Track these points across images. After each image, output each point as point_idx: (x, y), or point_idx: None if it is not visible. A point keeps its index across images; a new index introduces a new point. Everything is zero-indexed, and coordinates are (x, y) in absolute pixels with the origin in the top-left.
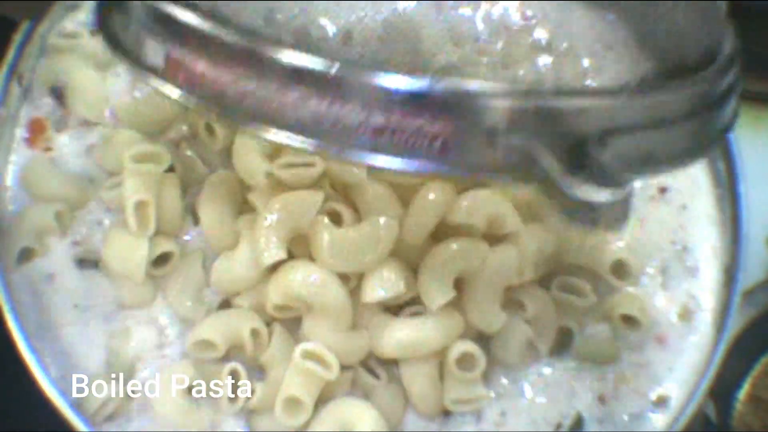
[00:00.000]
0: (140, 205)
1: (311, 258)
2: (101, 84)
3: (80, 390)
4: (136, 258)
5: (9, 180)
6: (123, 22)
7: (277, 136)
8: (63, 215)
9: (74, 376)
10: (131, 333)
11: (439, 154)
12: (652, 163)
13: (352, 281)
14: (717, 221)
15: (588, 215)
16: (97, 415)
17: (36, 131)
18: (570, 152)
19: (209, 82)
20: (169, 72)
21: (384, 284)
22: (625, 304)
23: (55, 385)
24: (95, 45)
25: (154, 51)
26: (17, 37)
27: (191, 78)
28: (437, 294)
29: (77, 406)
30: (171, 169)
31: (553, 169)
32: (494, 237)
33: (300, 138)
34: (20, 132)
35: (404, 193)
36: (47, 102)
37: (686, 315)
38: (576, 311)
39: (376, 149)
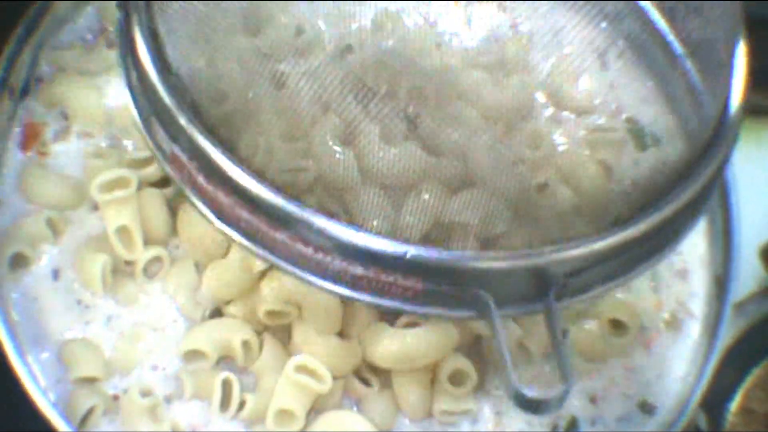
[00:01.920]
0: (123, 229)
1: None
2: (100, 98)
3: (73, 399)
4: (93, 271)
5: (1, 189)
6: (136, 83)
7: (267, 258)
8: (55, 222)
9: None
10: (138, 334)
11: (411, 298)
12: (607, 284)
13: None
14: (708, 231)
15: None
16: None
17: (30, 136)
18: (531, 298)
19: (208, 194)
20: (172, 163)
21: None
22: (614, 308)
23: (45, 395)
24: (89, 56)
25: (163, 140)
26: (8, 49)
27: (191, 182)
28: None
29: (68, 414)
30: (159, 182)
31: (503, 350)
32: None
33: (288, 267)
34: (12, 143)
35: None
36: (42, 111)
37: (674, 323)
38: (569, 313)
39: (355, 289)
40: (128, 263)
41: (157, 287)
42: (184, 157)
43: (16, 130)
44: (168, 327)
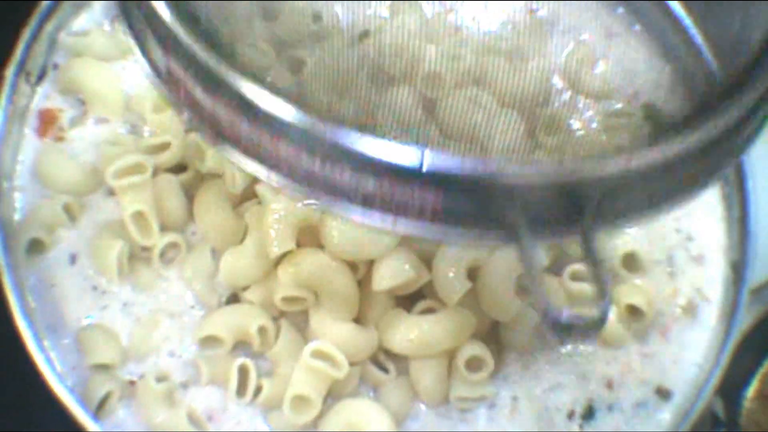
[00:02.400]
0: (138, 215)
1: (320, 248)
2: (116, 84)
3: (90, 385)
4: (109, 258)
5: (18, 175)
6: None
7: (270, 179)
8: (72, 207)
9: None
10: (155, 320)
11: (429, 220)
12: (653, 208)
13: (360, 270)
14: (724, 217)
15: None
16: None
17: (46, 122)
18: (563, 220)
19: (207, 110)
20: (170, 82)
21: (393, 272)
22: (631, 294)
23: (62, 381)
24: (106, 42)
25: (158, 57)
26: (25, 35)
27: (190, 99)
28: (453, 286)
29: (84, 399)
30: (176, 168)
31: (534, 270)
32: None
33: (293, 185)
34: (29, 129)
35: None
36: (58, 97)
37: (691, 309)
38: (587, 299)
39: (367, 208)
40: (145, 249)
41: (174, 273)
42: (180, 71)
43: (33, 115)
44: (185, 313)
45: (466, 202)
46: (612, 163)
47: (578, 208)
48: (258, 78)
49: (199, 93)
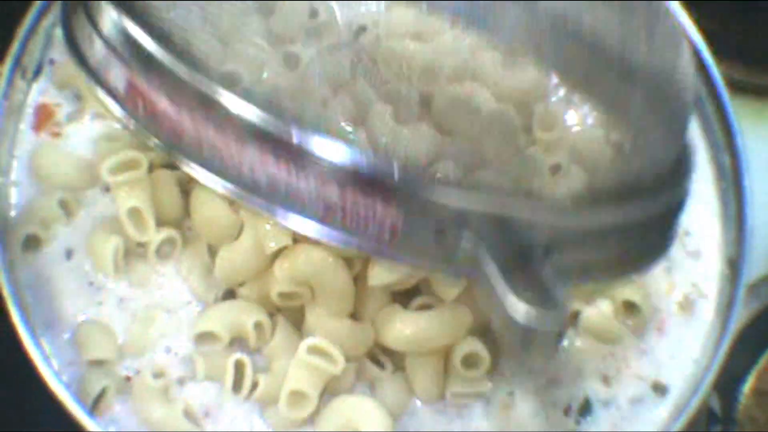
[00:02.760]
0: (134, 211)
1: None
2: None
3: (86, 381)
4: (105, 254)
5: (14, 172)
6: (89, 34)
7: (232, 192)
8: (68, 203)
9: (81, 367)
10: (151, 316)
11: (388, 239)
12: (587, 275)
13: (356, 266)
14: (720, 213)
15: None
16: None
17: (43, 117)
18: (514, 261)
19: (169, 119)
20: (129, 100)
21: (389, 267)
22: (628, 290)
23: (58, 377)
24: None
25: (117, 73)
26: (21, 31)
27: (151, 112)
28: (450, 283)
29: (80, 395)
30: (171, 164)
31: (495, 277)
32: None
33: (255, 199)
34: (25, 124)
35: None
36: (55, 92)
37: (687, 304)
38: (583, 294)
39: (327, 223)
40: (141, 245)
41: (170, 269)
42: (144, 84)
43: (29, 111)
44: (181, 309)
45: (422, 222)
46: (554, 212)
47: (526, 249)
48: (228, 81)
49: (162, 104)
